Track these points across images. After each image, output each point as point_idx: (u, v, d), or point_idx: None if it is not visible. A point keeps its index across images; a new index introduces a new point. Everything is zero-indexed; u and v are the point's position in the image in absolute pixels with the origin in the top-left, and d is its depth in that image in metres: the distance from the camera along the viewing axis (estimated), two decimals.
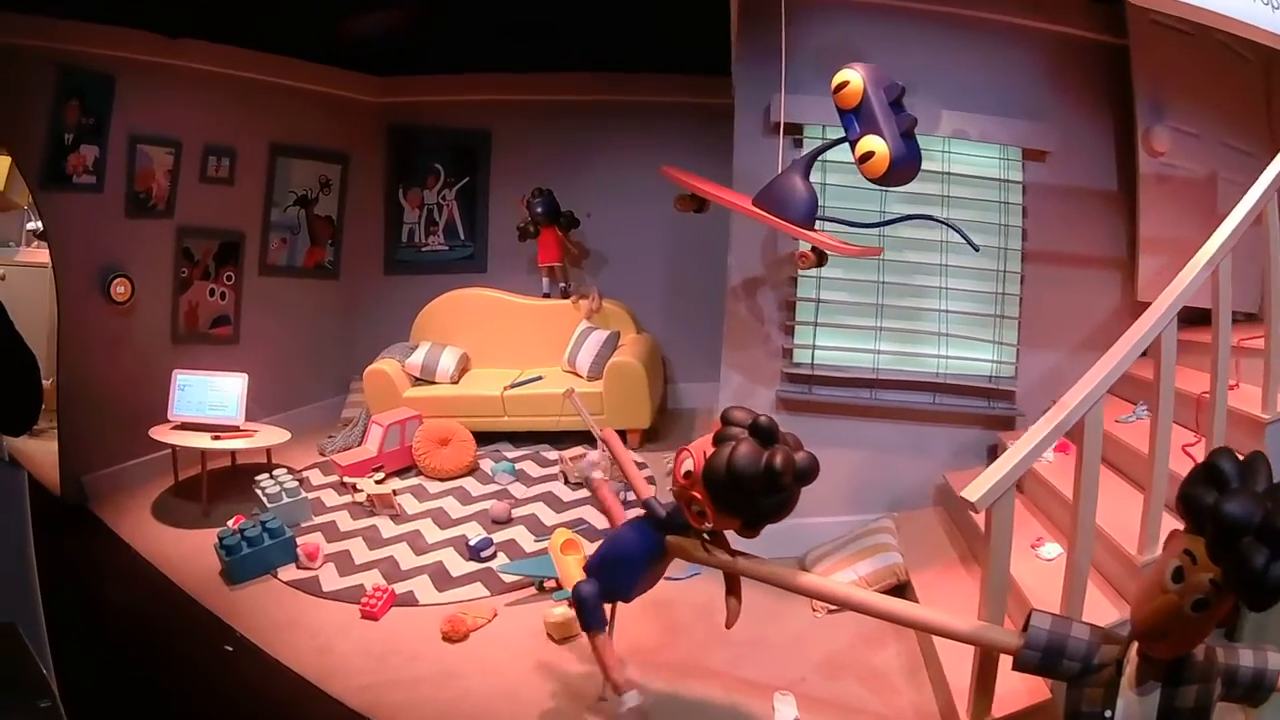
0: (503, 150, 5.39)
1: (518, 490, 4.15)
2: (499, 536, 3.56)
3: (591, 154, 5.33)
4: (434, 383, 4.86)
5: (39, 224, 5.64)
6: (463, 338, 5.13)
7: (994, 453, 3.11)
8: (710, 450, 1.64)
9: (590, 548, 2.18)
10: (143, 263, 4.24)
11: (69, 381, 4.01)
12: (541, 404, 4.68)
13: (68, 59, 3.76)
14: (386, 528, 3.74)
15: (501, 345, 5.16)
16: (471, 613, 2.90)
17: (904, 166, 2.28)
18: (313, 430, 4.88)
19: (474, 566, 3.34)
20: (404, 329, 5.35)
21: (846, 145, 2.35)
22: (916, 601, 2.60)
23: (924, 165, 2.80)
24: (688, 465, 1.68)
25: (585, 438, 4.73)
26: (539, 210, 5.03)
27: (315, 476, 4.39)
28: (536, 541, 3.54)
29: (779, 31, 2.82)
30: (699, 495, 1.65)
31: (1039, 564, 2.37)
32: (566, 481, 4.19)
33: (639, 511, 1.98)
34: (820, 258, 2.50)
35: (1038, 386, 3.03)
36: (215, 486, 3.94)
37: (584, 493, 4.07)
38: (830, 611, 2.73)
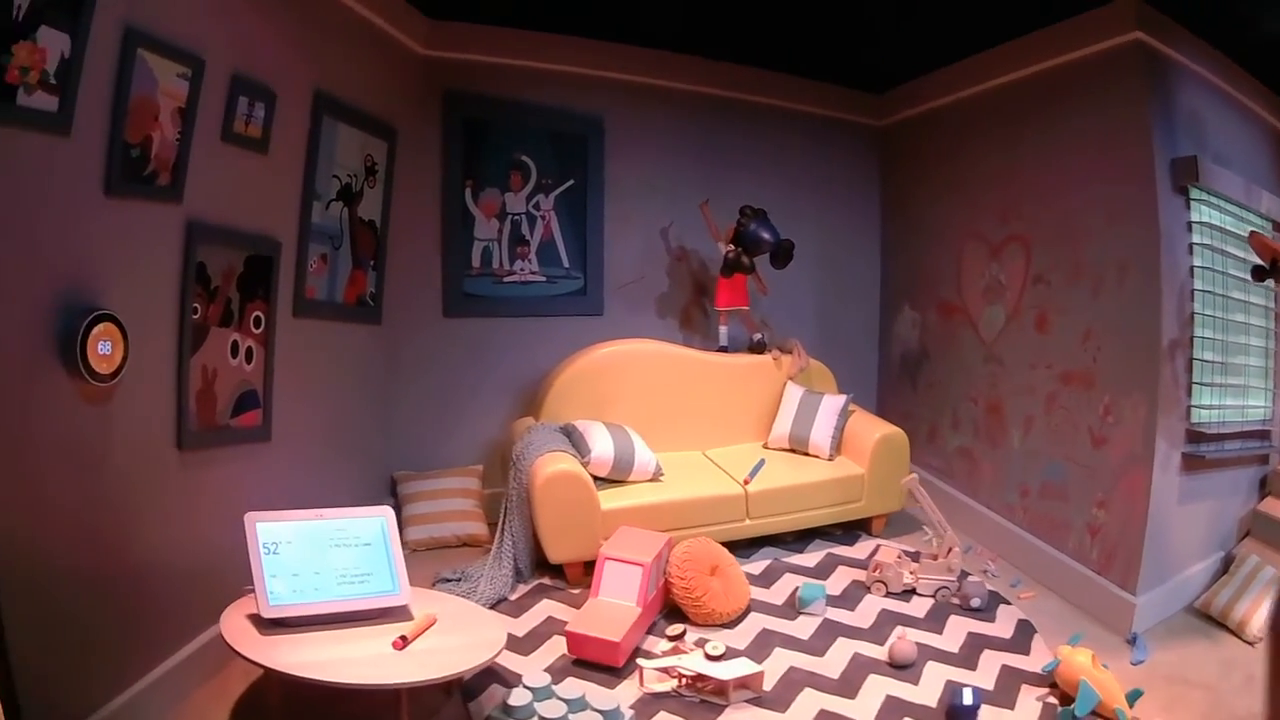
0: (618, 148, 3.88)
1: (840, 617, 2.90)
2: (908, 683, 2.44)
3: (735, 165, 4.12)
4: (626, 482, 3.23)
5: None
6: (621, 411, 3.54)
7: (1264, 484, 3.44)
8: None
9: None
10: (137, 292, 2.01)
11: None
12: (786, 498, 3.41)
13: None
14: None
15: (675, 419, 3.70)
16: None
17: None
18: None
19: None
20: (476, 403, 3.62)
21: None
22: None
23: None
24: None
25: (815, 533, 3.57)
26: (764, 236, 3.66)
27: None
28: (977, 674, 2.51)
29: (1182, 92, 2.96)
30: None
31: None
32: (888, 593, 3.07)
33: None
34: None
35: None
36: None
37: (924, 603, 2.99)
38: None
